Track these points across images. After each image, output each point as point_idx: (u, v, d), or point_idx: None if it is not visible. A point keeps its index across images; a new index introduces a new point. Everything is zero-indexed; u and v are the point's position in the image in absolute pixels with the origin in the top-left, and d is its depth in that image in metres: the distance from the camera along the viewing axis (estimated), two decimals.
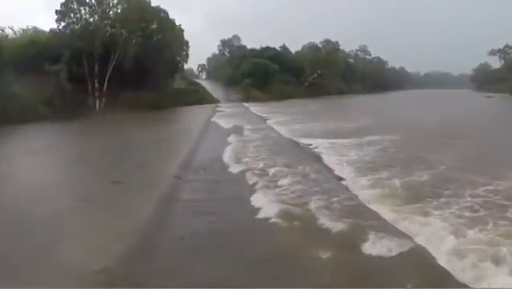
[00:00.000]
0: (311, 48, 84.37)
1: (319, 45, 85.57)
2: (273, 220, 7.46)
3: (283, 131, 21.88)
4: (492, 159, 13.14)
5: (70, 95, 33.22)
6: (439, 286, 5.30)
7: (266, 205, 8.27)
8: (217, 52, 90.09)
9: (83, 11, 38.70)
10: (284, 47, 78.31)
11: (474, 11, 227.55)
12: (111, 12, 40.11)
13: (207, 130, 24.49)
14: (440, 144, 15.93)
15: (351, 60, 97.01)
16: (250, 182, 10.39)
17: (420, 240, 6.31)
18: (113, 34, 38.93)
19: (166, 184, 10.57)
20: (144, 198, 9.15)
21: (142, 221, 7.76)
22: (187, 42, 48.87)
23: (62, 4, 38.26)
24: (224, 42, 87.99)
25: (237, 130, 22.62)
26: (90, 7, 38.93)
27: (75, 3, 38.43)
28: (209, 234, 7.06)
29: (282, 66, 66.19)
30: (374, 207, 7.98)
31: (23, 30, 41.22)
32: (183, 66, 52.83)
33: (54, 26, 38.98)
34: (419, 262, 5.78)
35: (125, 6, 40.20)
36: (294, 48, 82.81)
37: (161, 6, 44.19)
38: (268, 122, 27.88)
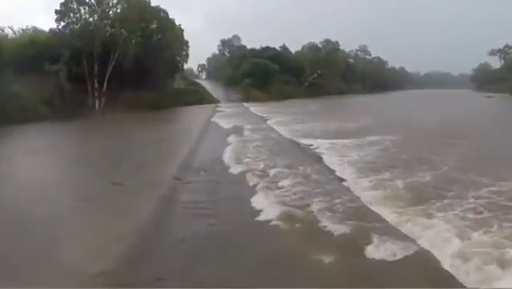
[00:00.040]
0: (311, 48, 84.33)
1: (319, 45, 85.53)
2: (274, 222, 7.35)
3: (283, 131, 21.79)
4: (494, 159, 13.05)
5: (69, 95, 33.17)
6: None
7: (267, 206, 8.17)
8: (217, 52, 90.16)
9: (82, 11, 38.66)
10: (284, 47, 78.28)
11: (474, 11, 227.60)
12: (110, 12, 40.07)
13: (207, 130, 24.41)
14: (442, 144, 15.85)
15: (351, 60, 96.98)
16: (251, 183, 10.28)
17: (423, 243, 6.21)
18: (113, 33, 38.89)
19: (166, 185, 10.49)
20: (144, 200, 9.05)
21: (142, 223, 7.68)
22: (187, 42, 48.85)
23: (61, 4, 38.21)
24: (224, 42, 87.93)
25: (237, 130, 22.55)
26: (89, 7, 38.87)
27: (75, 3, 38.36)
28: (209, 237, 6.96)
29: (282, 66, 66.12)
30: (376, 209, 7.87)
31: (23, 29, 41.25)
32: (183, 66, 52.82)
33: (54, 26, 38.99)
34: (423, 265, 5.68)
35: (125, 5, 40.14)
36: (294, 48, 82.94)
37: (161, 6, 44.21)
38: (268, 122, 27.79)
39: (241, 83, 61.39)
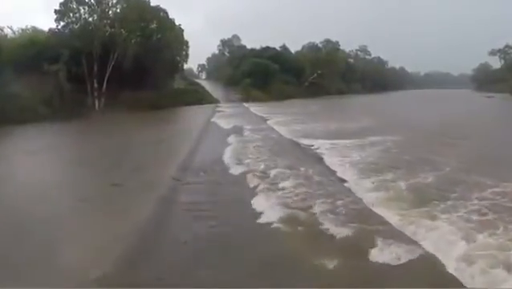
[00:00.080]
0: (311, 48, 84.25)
1: (319, 45, 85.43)
2: (275, 225, 7.21)
3: (284, 131, 21.68)
4: (496, 160, 12.93)
5: (69, 95, 33.08)
6: None
7: (268, 208, 8.04)
8: (216, 52, 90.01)
9: (82, 11, 38.58)
10: (284, 47, 78.17)
11: (474, 11, 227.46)
12: (110, 12, 40.00)
13: (207, 130, 24.32)
14: (443, 144, 15.75)
15: (351, 60, 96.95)
16: (252, 184, 10.15)
17: (428, 246, 6.09)
18: (112, 33, 38.83)
19: (166, 186, 10.37)
20: (144, 201, 8.94)
21: (141, 224, 7.60)
22: (187, 42, 48.77)
23: (61, 4, 38.12)
24: (224, 42, 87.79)
25: (237, 130, 22.45)
26: (89, 7, 38.78)
27: (74, 3, 38.27)
28: (209, 239, 6.83)
29: (282, 66, 66.03)
30: (379, 211, 7.75)
31: (22, 29, 41.19)
32: (183, 66, 52.75)
33: (54, 26, 38.91)
34: (427, 269, 5.57)
35: (124, 5, 40.05)
36: (294, 48, 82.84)
37: (161, 6, 44.11)
38: (268, 122, 27.69)
39: (241, 83, 61.28)
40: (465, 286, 5.22)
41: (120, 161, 14.28)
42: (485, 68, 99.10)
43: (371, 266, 5.63)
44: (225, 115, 34.94)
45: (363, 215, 7.60)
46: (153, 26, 42.41)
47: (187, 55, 50.27)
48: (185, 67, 59.07)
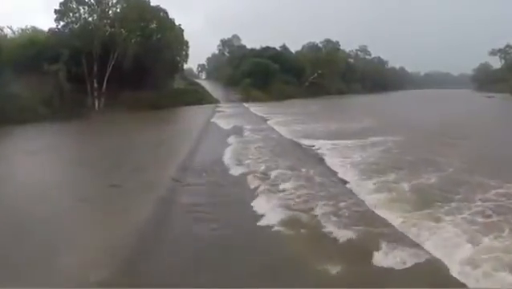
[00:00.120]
0: (312, 48, 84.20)
1: (320, 45, 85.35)
2: (277, 228, 7.07)
3: (284, 132, 21.59)
4: (499, 160, 12.83)
5: (69, 95, 32.96)
6: None
7: (269, 211, 7.91)
8: (216, 52, 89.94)
9: (82, 10, 38.48)
10: (284, 47, 78.07)
11: (474, 11, 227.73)
12: (110, 11, 39.91)
13: (207, 131, 24.22)
14: (445, 144, 15.66)
15: (352, 60, 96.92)
16: (252, 186, 10.03)
17: (432, 249, 5.98)
18: (112, 33, 38.75)
19: (165, 187, 10.26)
20: (143, 203, 8.81)
21: (140, 225, 7.51)
22: (187, 42, 48.65)
23: (61, 3, 38.01)
24: (224, 42, 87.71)
25: (238, 131, 22.34)
26: (89, 6, 38.68)
27: (74, 2, 38.17)
28: (209, 244, 6.69)
29: (283, 66, 65.91)
30: (381, 213, 7.63)
31: (22, 29, 41.12)
32: (183, 66, 52.63)
33: (54, 25, 38.81)
34: (432, 273, 5.45)
35: (124, 5, 39.94)
36: (294, 48, 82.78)
37: (161, 6, 43.98)
38: (268, 122, 27.59)
39: (241, 83, 61.15)
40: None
41: (120, 162, 14.20)
42: (486, 68, 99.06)
43: (375, 271, 5.51)
44: (225, 115, 34.84)
45: (365, 217, 7.48)
46: (153, 25, 42.31)
47: (187, 55, 50.23)
48: (185, 67, 59.11)
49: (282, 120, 28.55)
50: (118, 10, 40.04)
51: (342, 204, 8.21)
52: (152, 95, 39.58)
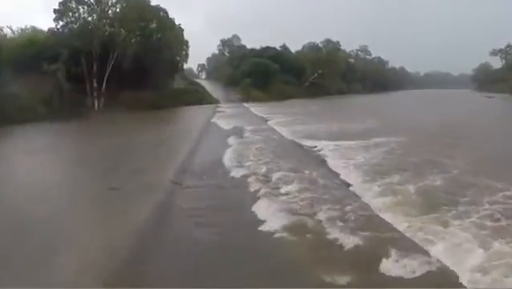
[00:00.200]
0: (312, 48, 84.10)
1: (320, 45, 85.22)
2: (279, 234, 6.80)
3: (285, 132, 21.41)
4: (503, 161, 12.69)
5: (68, 94, 32.91)
6: None
7: (270, 215, 7.67)
8: (216, 52, 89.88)
9: (81, 10, 38.45)
10: (284, 47, 78.00)
11: (474, 11, 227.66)
12: (110, 11, 39.86)
13: (207, 131, 24.07)
14: (448, 145, 15.49)
15: (352, 60, 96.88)
16: (253, 189, 9.79)
17: (441, 255, 5.75)
18: (112, 33, 38.68)
19: (165, 190, 10.05)
20: (142, 206, 8.59)
21: (139, 227, 7.41)
22: (187, 42, 48.57)
23: (60, 3, 37.93)
24: (224, 42, 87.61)
25: (238, 131, 22.17)
26: (88, 6, 38.60)
27: (74, 2, 38.10)
28: (210, 248, 6.49)
29: (283, 66, 65.79)
30: (387, 217, 7.41)
31: (22, 29, 41.03)
32: (183, 65, 52.58)
33: (53, 25, 38.66)
34: (441, 282, 5.24)
35: (124, 5, 39.84)
36: (294, 48, 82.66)
37: (161, 5, 43.94)
38: (269, 123, 27.43)
39: (241, 83, 61.02)
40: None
41: (119, 163, 14.06)
42: (486, 68, 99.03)
43: (383, 280, 5.26)
44: (225, 115, 34.70)
45: (371, 222, 7.24)
46: (153, 25, 42.22)
47: (187, 55, 50.16)
48: (185, 66, 59.04)
49: (282, 120, 28.38)
50: (118, 10, 40.00)
51: (346, 208, 7.95)
52: (152, 95, 39.46)
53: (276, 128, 24.00)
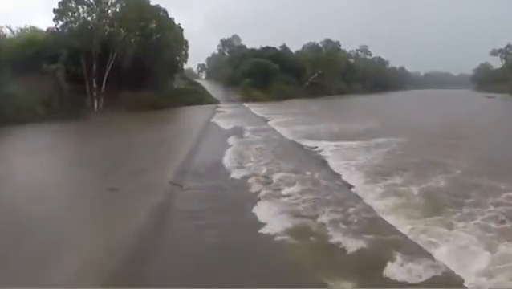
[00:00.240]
0: (312, 48, 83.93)
1: (320, 45, 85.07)
2: (281, 237, 6.68)
3: (285, 132, 21.32)
4: (505, 162, 12.56)
5: (68, 95, 32.82)
6: None
7: (271, 217, 7.55)
8: (216, 52, 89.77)
9: (81, 10, 38.34)
10: (284, 47, 77.92)
11: (474, 11, 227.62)
12: (109, 11, 39.75)
13: (207, 131, 23.97)
14: (449, 146, 15.37)
15: (352, 60, 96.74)
16: (254, 190, 9.67)
17: (445, 259, 5.64)
18: (112, 33, 38.58)
19: (165, 191, 9.93)
20: (141, 208, 8.49)
21: (139, 228, 7.35)
22: (186, 42, 48.48)
23: (59, 3, 37.81)
24: (224, 42, 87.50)
25: (238, 131, 22.09)
26: (88, 6, 38.48)
27: (73, 2, 37.99)
28: (209, 255, 6.34)
29: (283, 66, 65.71)
30: (390, 219, 7.29)
31: (21, 29, 40.91)
32: (182, 65, 52.43)
33: (53, 25, 38.53)
34: (446, 286, 5.14)
35: (124, 4, 39.72)
36: (294, 48, 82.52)
37: (160, 5, 43.81)
38: (269, 123, 27.35)
39: (241, 83, 60.93)
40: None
41: (119, 163, 13.98)
42: (486, 68, 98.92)
43: (388, 285, 5.14)
44: (225, 115, 34.62)
45: (374, 225, 7.11)
46: (153, 25, 42.10)
47: (187, 55, 50.06)
48: (185, 66, 58.92)
49: (282, 120, 28.29)
50: (117, 10, 39.88)
51: (348, 210, 7.84)
52: (152, 95, 39.36)
53: (276, 128, 23.92)
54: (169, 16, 44.45)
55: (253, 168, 12.22)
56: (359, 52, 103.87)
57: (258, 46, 73.59)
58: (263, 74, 61.33)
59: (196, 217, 7.91)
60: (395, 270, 5.39)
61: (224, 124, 26.94)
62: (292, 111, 36.26)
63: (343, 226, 7.02)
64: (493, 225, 6.79)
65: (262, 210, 8.08)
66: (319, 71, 71.75)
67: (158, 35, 42.14)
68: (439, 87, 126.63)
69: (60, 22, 38.15)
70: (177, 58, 47.95)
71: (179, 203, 9.10)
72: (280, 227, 7.02)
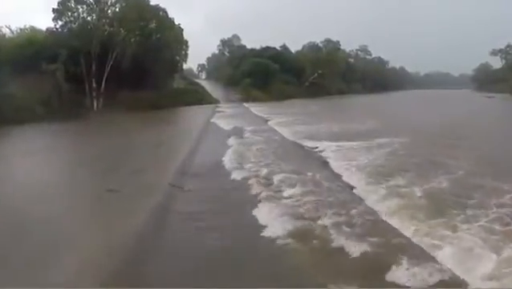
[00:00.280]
0: (312, 48, 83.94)
1: (320, 44, 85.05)
2: (281, 240, 6.55)
3: (286, 133, 21.22)
4: (507, 162, 12.44)
5: (67, 95, 32.82)
6: None
7: (272, 220, 7.41)
8: (216, 52, 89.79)
9: (80, 10, 38.36)
10: (284, 47, 77.94)
11: (474, 11, 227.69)
12: (109, 11, 39.76)
13: (207, 131, 23.89)
14: (451, 146, 15.26)
15: (352, 60, 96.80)
16: (255, 191, 9.54)
17: (450, 263, 5.52)
18: (111, 33, 38.53)
19: (165, 193, 9.79)
20: (141, 210, 8.39)
21: (139, 233, 7.22)
22: (186, 42, 48.49)
23: (59, 3, 37.78)
24: (224, 42, 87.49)
25: (238, 132, 21.98)
26: (88, 6, 38.48)
27: (73, 2, 37.97)
28: (209, 258, 6.22)
29: (283, 66, 65.70)
30: (394, 222, 7.17)
31: (21, 29, 40.91)
32: (182, 65, 52.46)
33: (53, 25, 38.46)
34: None
35: (123, 4, 39.69)
36: (294, 48, 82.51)
37: (160, 5, 43.80)
38: (269, 123, 27.27)
39: (241, 83, 60.91)
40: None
41: (118, 163, 13.91)
42: (486, 68, 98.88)
43: None
44: (225, 115, 34.54)
45: (376, 228, 6.97)
46: (153, 25, 42.05)
47: (186, 55, 50.10)
48: (185, 66, 58.97)
49: (283, 120, 28.21)
50: (117, 10, 39.86)
51: (351, 212, 7.72)
52: (152, 95, 39.29)
53: (276, 128, 23.83)
54: (169, 16, 44.55)
55: (254, 169, 12.09)
56: (359, 52, 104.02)
57: (258, 46, 73.77)
58: (263, 74, 61.30)
59: (195, 218, 7.79)
60: (399, 274, 5.27)
61: (224, 124, 26.84)
62: (292, 112, 36.18)
63: (346, 229, 6.89)
64: (497, 227, 6.67)
65: (262, 212, 7.95)
66: (319, 71, 71.74)
67: (158, 35, 42.09)
68: (439, 87, 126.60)
69: (60, 22, 38.22)
70: (177, 58, 47.94)
71: (178, 204, 8.99)
72: (281, 230, 6.89)
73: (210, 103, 50.32)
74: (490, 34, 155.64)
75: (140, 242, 6.85)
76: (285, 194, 9.16)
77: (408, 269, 5.37)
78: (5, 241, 6.80)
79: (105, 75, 37.02)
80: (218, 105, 48.65)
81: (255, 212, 8.08)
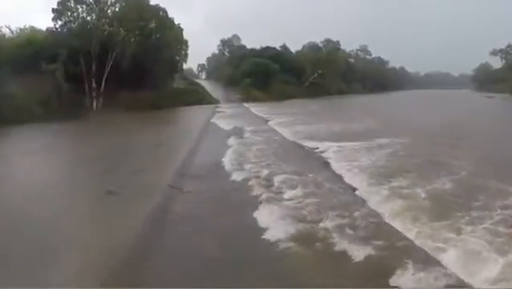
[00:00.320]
0: (312, 48, 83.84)
1: (320, 44, 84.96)
2: (283, 243, 6.45)
3: (286, 133, 21.12)
4: (508, 162, 12.36)
5: (67, 95, 32.73)
6: None
7: (273, 222, 7.30)
8: (216, 52, 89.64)
9: (80, 10, 38.22)
10: (284, 47, 77.78)
11: (474, 11, 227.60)
12: (109, 10, 39.66)
13: (207, 131, 23.80)
14: (452, 146, 15.17)
15: (352, 60, 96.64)
16: (255, 193, 9.44)
17: (455, 267, 5.43)
18: (111, 32, 38.43)
19: (165, 195, 9.70)
20: (141, 212, 8.31)
21: (137, 234, 7.15)
22: (186, 42, 48.38)
23: (59, 2, 37.68)
24: (224, 42, 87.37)
25: (238, 132, 21.87)
26: (87, 5, 38.37)
27: (72, 1, 37.84)
28: (209, 260, 6.13)
29: (283, 66, 65.58)
30: (397, 224, 7.08)
31: (20, 29, 40.86)
32: (182, 65, 52.31)
33: (52, 25, 38.36)
34: None
35: (123, 4, 39.59)
36: (294, 48, 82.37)
37: (160, 5, 43.64)
38: (269, 123, 27.16)
39: (241, 83, 60.80)
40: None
41: (118, 164, 13.84)
42: (486, 68, 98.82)
43: None
44: (225, 115, 34.45)
45: (379, 230, 6.87)
46: (152, 25, 41.93)
47: (186, 55, 49.98)
48: (185, 66, 58.84)
49: (283, 120, 28.10)
50: (117, 9, 39.76)
51: (353, 214, 7.62)
52: (152, 95, 39.19)
53: (277, 128, 23.72)
54: (169, 16, 44.41)
55: (254, 169, 11.99)
56: (359, 52, 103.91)
57: (258, 46, 73.62)
58: (263, 74, 61.20)
59: (195, 220, 7.73)
60: (403, 278, 5.18)
61: (224, 124, 26.75)
62: (292, 112, 36.08)
63: (349, 232, 6.79)
64: (502, 229, 6.57)
65: (263, 215, 7.84)
66: (319, 71, 71.61)
67: (158, 35, 41.98)
68: (439, 87, 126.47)
69: (59, 22, 38.11)
70: (177, 58, 47.84)
71: (178, 206, 8.91)
72: (282, 232, 6.79)
73: (210, 103, 50.22)
74: (490, 34, 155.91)
75: (140, 243, 6.79)
76: (286, 196, 9.06)
77: (413, 274, 5.26)
78: (5, 241, 6.77)
79: (105, 74, 36.93)
80: (218, 105, 48.56)
81: (256, 214, 7.97)
